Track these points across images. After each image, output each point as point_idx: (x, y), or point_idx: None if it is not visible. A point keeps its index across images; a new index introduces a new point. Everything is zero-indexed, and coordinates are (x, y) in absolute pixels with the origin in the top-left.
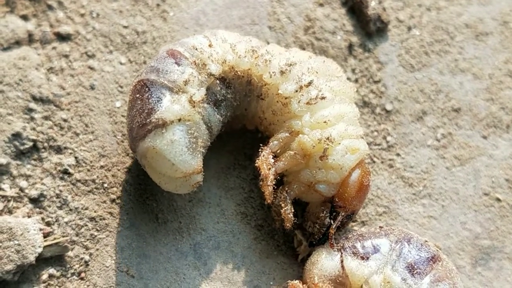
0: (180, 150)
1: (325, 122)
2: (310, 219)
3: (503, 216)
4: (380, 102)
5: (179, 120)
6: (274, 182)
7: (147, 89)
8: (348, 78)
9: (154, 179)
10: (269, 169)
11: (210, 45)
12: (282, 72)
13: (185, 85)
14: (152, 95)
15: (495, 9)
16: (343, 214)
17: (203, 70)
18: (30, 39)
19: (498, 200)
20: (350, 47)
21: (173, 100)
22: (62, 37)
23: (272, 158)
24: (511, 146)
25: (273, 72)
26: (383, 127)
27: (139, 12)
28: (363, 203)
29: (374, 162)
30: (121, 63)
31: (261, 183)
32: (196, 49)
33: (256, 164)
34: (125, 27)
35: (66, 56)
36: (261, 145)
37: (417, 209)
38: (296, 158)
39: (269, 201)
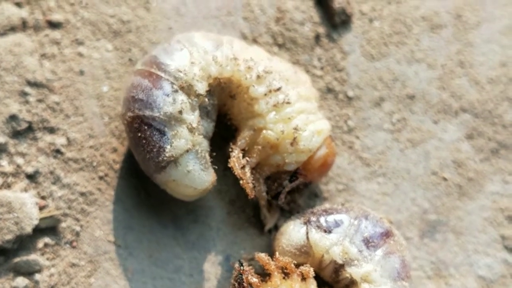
0: (198, 175)
1: (289, 118)
2: (273, 178)
3: (448, 193)
4: (342, 89)
5: (187, 151)
6: (251, 178)
7: (146, 127)
8: (314, 66)
9: (176, 197)
10: (242, 167)
11: (192, 63)
12: (258, 77)
13: (180, 114)
14: (154, 133)
15: (449, 3)
16: (301, 180)
17: (191, 91)
18: (24, 26)
19: (445, 179)
20: (317, 37)
21: (175, 134)
22: (54, 25)
23: (242, 155)
24: (459, 130)
25: (249, 75)
26: (345, 112)
27: (124, 2)
28: (323, 177)
29: (335, 144)
30: (107, 51)
31: (241, 182)
32: (180, 71)
33: (229, 165)
34: (111, 16)
35: (58, 43)
36: (230, 143)
37: (372, 187)
38: (265, 150)
39: (251, 195)
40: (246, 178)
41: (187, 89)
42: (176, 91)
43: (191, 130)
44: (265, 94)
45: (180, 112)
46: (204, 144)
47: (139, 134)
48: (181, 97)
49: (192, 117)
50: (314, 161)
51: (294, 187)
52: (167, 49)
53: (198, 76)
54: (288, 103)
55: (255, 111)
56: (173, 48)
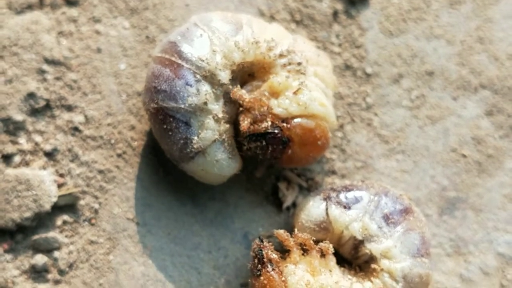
0: (226, 163)
1: (298, 78)
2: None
3: (468, 170)
4: (361, 66)
5: (215, 141)
6: (253, 109)
7: (171, 119)
8: (332, 43)
9: (205, 182)
10: (243, 95)
11: (214, 51)
12: (281, 55)
13: (205, 105)
14: (180, 125)
15: None
16: (282, 126)
17: (214, 80)
18: (41, 3)
19: (464, 156)
20: (335, 14)
21: (201, 125)
22: (71, 3)
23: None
24: (478, 107)
25: (273, 54)
26: (363, 89)
27: None
28: (305, 159)
29: (354, 121)
30: (124, 28)
31: (241, 115)
32: (202, 60)
33: (231, 96)
34: None
35: (75, 21)
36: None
37: (391, 164)
38: (264, 94)
39: (244, 128)
40: (245, 99)
41: (210, 78)
42: (199, 80)
43: (217, 120)
44: (285, 65)
45: (205, 103)
46: (230, 130)
47: (165, 126)
48: (205, 87)
49: (217, 107)
50: (302, 121)
51: (269, 132)
52: (186, 35)
53: (221, 64)
54: (303, 73)
55: (270, 73)
56: (192, 34)
